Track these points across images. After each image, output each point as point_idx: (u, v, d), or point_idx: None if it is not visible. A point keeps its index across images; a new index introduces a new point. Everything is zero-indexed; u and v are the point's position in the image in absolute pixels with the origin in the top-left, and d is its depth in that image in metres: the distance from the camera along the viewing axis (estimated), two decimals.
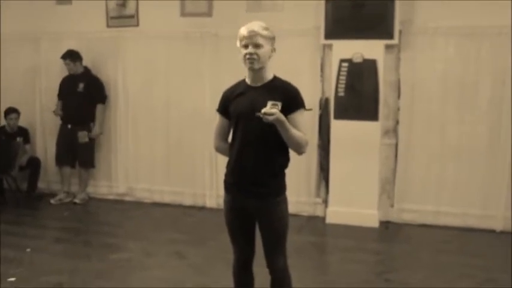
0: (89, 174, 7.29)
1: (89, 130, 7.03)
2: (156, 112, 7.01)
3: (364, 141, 5.96)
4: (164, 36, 6.81)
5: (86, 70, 7.08)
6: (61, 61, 6.96)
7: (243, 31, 3.00)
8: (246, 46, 2.99)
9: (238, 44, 3.04)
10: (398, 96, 6.09)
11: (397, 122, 6.14)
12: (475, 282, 4.55)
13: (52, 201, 7.09)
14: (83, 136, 6.98)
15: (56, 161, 7.22)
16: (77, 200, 7.10)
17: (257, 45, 2.96)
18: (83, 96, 6.96)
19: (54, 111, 7.07)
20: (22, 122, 7.33)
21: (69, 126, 7.03)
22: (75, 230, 6.10)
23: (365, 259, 5.17)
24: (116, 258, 5.12)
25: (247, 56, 2.98)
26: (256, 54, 2.96)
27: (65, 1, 7.23)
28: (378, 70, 5.92)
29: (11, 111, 7.17)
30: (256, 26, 2.99)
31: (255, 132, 3.00)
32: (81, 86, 6.98)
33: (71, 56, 6.93)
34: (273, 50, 3.06)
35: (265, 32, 2.98)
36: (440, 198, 6.05)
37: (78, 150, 7.06)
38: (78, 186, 7.24)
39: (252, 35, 2.96)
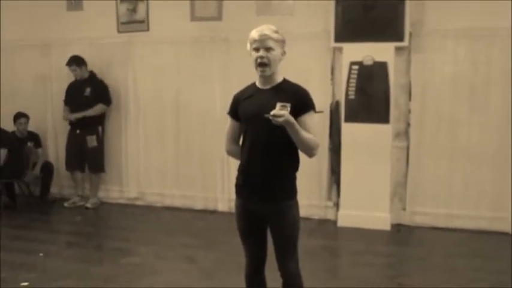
0: (100, 179, 7.32)
1: (98, 134, 7.07)
2: (167, 116, 7.02)
3: (375, 144, 5.95)
4: (174, 40, 6.84)
5: (92, 74, 7.10)
6: None
7: (254, 34, 2.99)
8: (257, 49, 2.98)
9: (248, 47, 3.03)
10: (409, 99, 6.08)
11: (408, 125, 6.12)
12: (488, 285, 4.50)
13: (66, 204, 7.17)
14: (91, 141, 7.02)
15: (66, 166, 7.27)
16: (88, 205, 7.13)
17: (268, 49, 2.95)
18: (89, 100, 6.99)
19: (65, 118, 7.12)
20: (34, 127, 7.38)
21: (78, 131, 7.07)
22: (87, 235, 6.13)
23: (377, 262, 5.15)
24: (127, 262, 5.13)
25: (259, 60, 2.97)
26: (267, 57, 2.95)
27: (75, 7, 7.28)
28: (388, 73, 5.90)
29: (20, 116, 7.23)
30: (267, 29, 2.98)
31: (264, 134, 2.98)
32: (87, 90, 7.01)
33: (76, 61, 6.97)
34: (283, 53, 3.04)
35: (276, 35, 2.98)
36: (452, 201, 6.01)
37: (88, 154, 7.11)
38: (89, 190, 7.29)
39: (263, 38, 2.95)
